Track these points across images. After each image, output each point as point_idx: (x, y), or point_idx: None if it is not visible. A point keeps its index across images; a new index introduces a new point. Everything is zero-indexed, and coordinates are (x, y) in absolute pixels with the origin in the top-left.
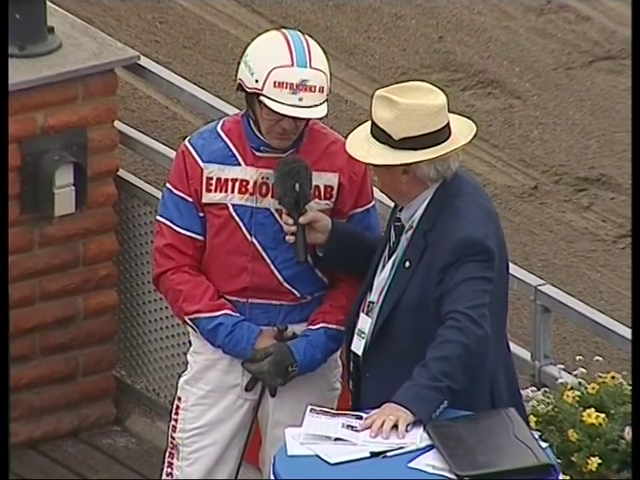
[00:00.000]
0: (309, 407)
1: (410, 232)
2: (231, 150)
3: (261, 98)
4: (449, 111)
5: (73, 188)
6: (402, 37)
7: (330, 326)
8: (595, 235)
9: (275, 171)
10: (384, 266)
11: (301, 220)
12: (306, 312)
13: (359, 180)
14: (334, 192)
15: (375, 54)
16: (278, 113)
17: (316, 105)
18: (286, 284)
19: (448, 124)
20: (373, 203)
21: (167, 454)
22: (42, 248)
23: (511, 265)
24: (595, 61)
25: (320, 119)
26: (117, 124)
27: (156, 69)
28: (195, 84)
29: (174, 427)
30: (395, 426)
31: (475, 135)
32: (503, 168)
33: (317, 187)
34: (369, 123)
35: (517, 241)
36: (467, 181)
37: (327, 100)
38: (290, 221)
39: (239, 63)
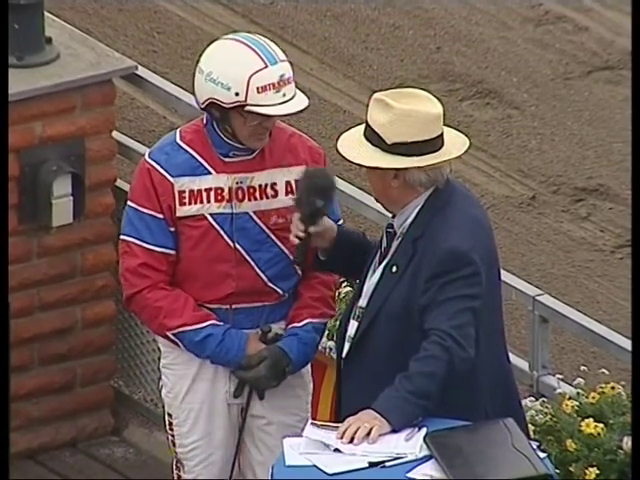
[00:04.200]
0: (309, 421)
1: (400, 238)
2: (197, 160)
3: (247, 108)
4: (446, 123)
5: (71, 198)
6: (400, 47)
7: (315, 320)
8: (593, 245)
9: (303, 178)
10: (374, 271)
11: (311, 229)
12: (284, 309)
13: None
14: None
15: (373, 64)
16: (272, 116)
17: (295, 94)
18: (270, 284)
19: (442, 135)
20: None
21: (174, 466)
22: (40, 258)
23: (509, 275)
24: (593, 71)
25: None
26: (115, 134)
27: (154, 79)
28: (192, 94)
29: (173, 442)
30: (368, 434)
31: (468, 149)
32: (501, 178)
33: (288, 183)
34: (363, 125)
35: (515, 251)
36: (459, 190)
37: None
38: (301, 227)
39: (194, 85)
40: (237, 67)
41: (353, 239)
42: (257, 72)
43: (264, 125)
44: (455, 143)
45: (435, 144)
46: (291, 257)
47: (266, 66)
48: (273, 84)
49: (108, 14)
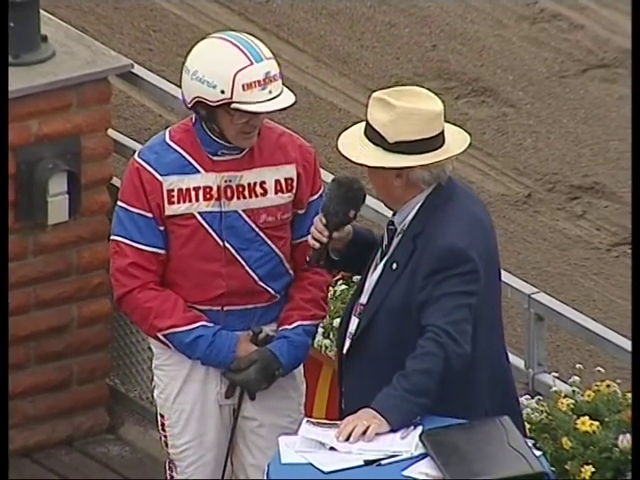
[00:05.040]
0: (305, 418)
1: (401, 235)
2: (186, 159)
3: (233, 105)
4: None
5: (67, 196)
6: (395, 45)
7: (305, 322)
8: (589, 243)
9: (336, 187)
10: (375, 268)
11: (335, 235)
12: (276, 311)
13: (312, 168)
14: (294, 184)
15: (369, 62)
16: (257, 113)
17: (282, 92)
18: (261, 283)
19: (443, 132)
20: (323, 188)
21: (167, 466)
22: (36, 256)
23: (505, 273)
24: (588, 69)
25: (293, 104)
26: (111, 132)
27: (150, 77)
28: None
29: (165, 443)
30: (365, 432)
31: (469, 145)
32: (497, 176)
33: (278, 182)
34: (363, 124)
35: (511, 249)
36: (460, 187)
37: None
38: (325, 233)
39: (181, 85)
40: (222, 65)
41: (365, 238)
42: (242, 69)
43: (251, 123)
44: (456, 139)
45: (437, 141)
46: (281, 258)
47: (251, 63)
48: (259, 81)
49: (104, 12)
